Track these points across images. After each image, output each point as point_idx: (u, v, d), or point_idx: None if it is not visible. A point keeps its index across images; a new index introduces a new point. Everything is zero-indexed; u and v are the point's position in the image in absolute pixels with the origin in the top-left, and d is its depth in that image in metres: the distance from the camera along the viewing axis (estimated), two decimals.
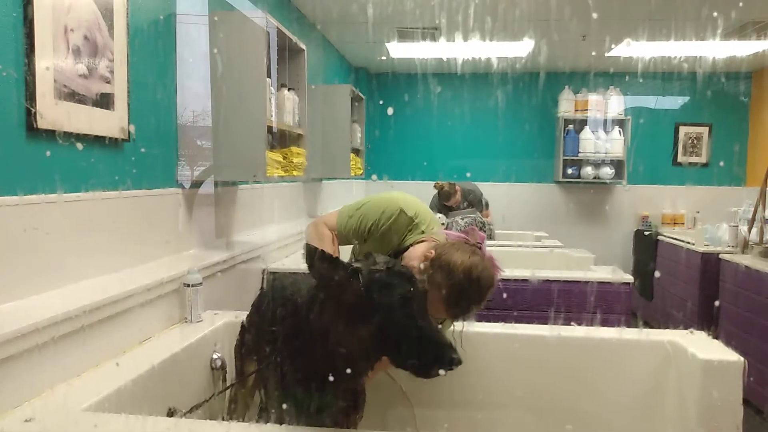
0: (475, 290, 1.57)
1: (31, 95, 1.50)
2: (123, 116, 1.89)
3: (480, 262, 1.59)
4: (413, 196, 1.96)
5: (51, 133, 1.58)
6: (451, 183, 4.91)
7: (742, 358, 1.74)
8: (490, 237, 4.70)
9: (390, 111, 6.49)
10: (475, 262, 1.57)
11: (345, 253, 1.91)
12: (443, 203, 4.90)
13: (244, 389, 1.84)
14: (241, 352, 1.79)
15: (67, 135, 1.64)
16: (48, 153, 1.58)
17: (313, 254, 1.26)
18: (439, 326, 1.75)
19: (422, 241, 1.79)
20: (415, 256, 1.72)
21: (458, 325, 1.92)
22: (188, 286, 2.03)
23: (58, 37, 1.59)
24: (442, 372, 1.23)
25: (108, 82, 1.82)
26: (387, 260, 1.35)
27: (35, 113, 1.50)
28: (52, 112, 1.56)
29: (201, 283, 2.05)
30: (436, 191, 4.96)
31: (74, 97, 1.66)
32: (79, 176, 1.70)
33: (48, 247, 1.56)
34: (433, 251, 1.64)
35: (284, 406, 1.37)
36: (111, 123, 1.83)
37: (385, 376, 1.95)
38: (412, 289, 1.28)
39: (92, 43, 1.74)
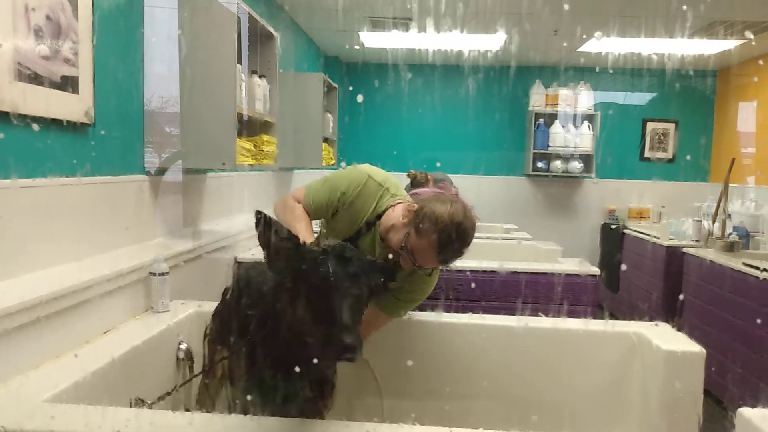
0: (461, 234, 1.66)
1: None
2: (87, 100, 1.84)
3: (462, 209, 1.69)
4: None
5: (7, 116, 1.52)
6: (423, 172, 4.92)
7: (703, 349, 1.78)
8: None
9: (360, 98, 6.45)
10: (457, 209, 1.68)
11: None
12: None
13: (213, 380, 1.82)
14: (211, 342, 1.77)
15: (25, 117, 1.58)
16: (5, 135, 1.52)
17: (259, 218, 1.28)
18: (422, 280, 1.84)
19: (398, 204, 1.82)
20: (394, 216, 1.77)
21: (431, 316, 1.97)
22: (154, 275, 1.99)
23: (18, 17, 1.53)
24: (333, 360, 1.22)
25: (72, 65, 1.76)
26: (335, 243, 1.36)
27: None
28: (9, 94, 1.51)
29: (167, 273, 2.01)
30: (408, 180, 4.95)
31: (35, 78, 1.60)
32: (37, 161, 1.64)
33: (2, 234, 1.50)
34: (415, 205, 1.72)
35: (249, 397, 1.35)
36: (74, 106, 1.78)
37: (355, 365, 1.94)
38: (336, 269, 1.27)
39: (55, 24, 1.68)
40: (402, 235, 1.69)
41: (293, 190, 2.00)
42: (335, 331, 1.16)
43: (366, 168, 1.92)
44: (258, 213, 1.29)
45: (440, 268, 1.88)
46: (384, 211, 1.82)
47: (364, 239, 1.85)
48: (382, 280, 1.40)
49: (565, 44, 5.45)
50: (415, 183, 4.87)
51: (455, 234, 1.65)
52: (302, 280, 1.28)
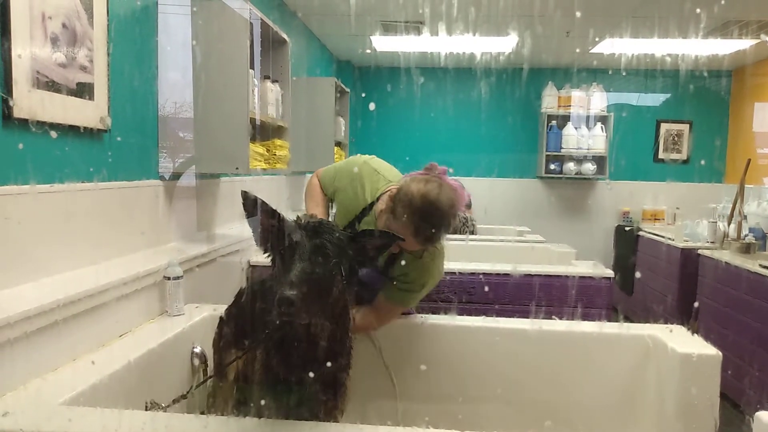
0: (433, 213, 1.65)
1: (7, 84, 1.46)
2: (102, 106, 1.86)
3: (436, 188, 1.68)
4: None
5: (27, 123, 1.54)
6: None
7: (719, 352, 1.76)
8: (472, 232, 4.71)
9: (372, 106, 6.46)
10: (430, 188, 1.68)
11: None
12: None
13: (225, 383, 1.83)
14: (220, 345, 1.78)
15: (43, 125, 1.60)
16: (24, 143, 1.54)
17: (245, 197, 1.39)
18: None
19: (390, 189, 1.88)
20: (381, 201, 1.84)
21: (417, 319, 2.00)
22: (169, 279, 2.00)
23: (35, 25, 1.55)
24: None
25: (87, 72, 1.78)
26: (317, 219, 1.39)
27: (11, 102, 1.47)
28: (28, 102, 1.53)
29: (182, 276, 2.03)
30: None
31: (52, 86, 1.62)
32: (55, 167, 1.67)
33: (21, 238, 1.53)
34: (395, 188, 1.76)
35: (262, 401, 1.36)
36: (90, 113, 1.80)
37: (373, 367, 1.95)
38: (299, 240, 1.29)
39: (71, 32, 1.70)
40: (384, 220, 1.73)
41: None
42: (280, 285, 1.20)
43: (365, 156, 2.05)
44: (243, 193, 1.38)
45: (438, 253, 1.91)
46: (379, 197, 1.89)
47: (365, 222, 1.93)
48: (358, 257, 1.39)
49: (577, 50, 5.43)
50: None
51: (428, 212, 1.64)
52: (281, 251, 1.32)
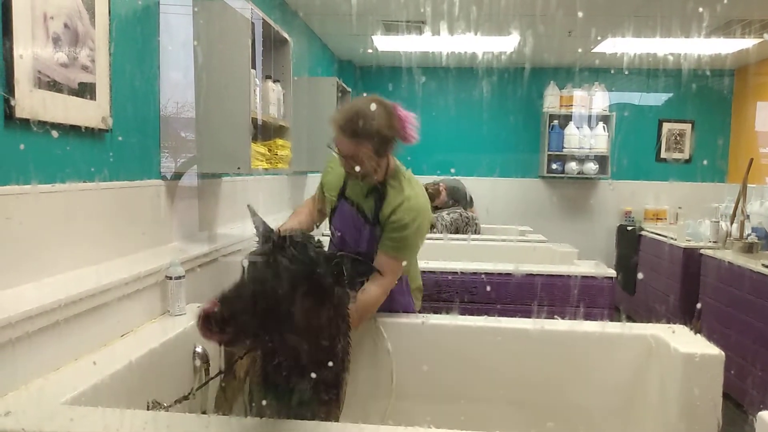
0: (352, 109, 1.93)
1: (8, 84, 1.46)
2: (104, 106, 1.86)
3: (367, 100, 1.91)
4: None
5: (28, 123, 1.54)
6: (434, 184, 4.91)
7: (722, 352, 1.75)
8: (476, 232, 4.71)
9: (373, 107, 6.45)
10: (361, 99, 1.95)
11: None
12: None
13: (231, 383, 1.83)
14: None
15: (45, 124, 1.60)
16: (25, 143, 1.54)
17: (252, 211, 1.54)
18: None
19: None
20: None
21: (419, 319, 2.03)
22: (170, 278, 2.00)
23: (37, 25, 1.55)
24: None
25: (89, 72, 1.78)
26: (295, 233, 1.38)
27: (13, 102, 1.47)
28: (30, 102, 1.53)
29: (183, 276, 2.03)
30: None
31: (54, 86, 1.62)
32: (56, 167, 1.67)
33: (23, 238, 1.53)
34: None
35: (263, 401, 1.36)
36: (92, 113, 1.80)
37: (377, 367, 1.94)
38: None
39: (73, 32, 1.70)
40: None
41: None
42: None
43: None
44: (249, 207, 1.55)
45: (408, 181, 2.07)
46: None
47: (349, 186, 2.12)
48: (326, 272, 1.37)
49: (579, 50, 5.42)
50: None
51: (348, 109, 1.93)
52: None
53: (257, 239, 1.47)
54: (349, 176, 2.02)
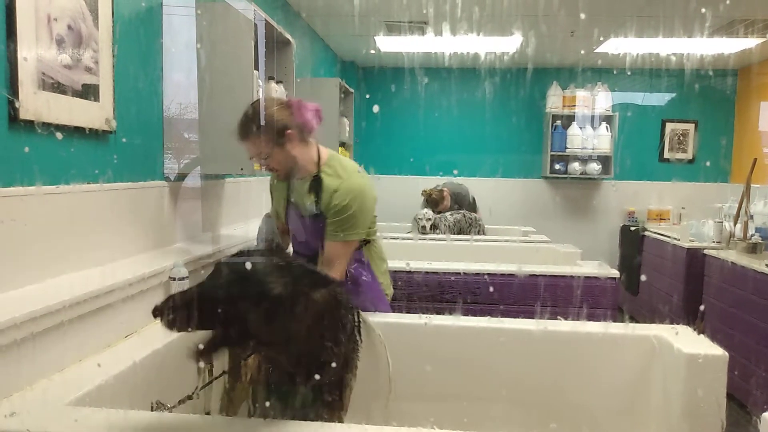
0: (243, 117, 2.02)
1: (13, 86, 1.47)
2: (108, 108, 1.87)
3: (257, 103, 2.00)
4: None
5: (33, 124, 1.55)
6: (438, 189, 4.91)
7: (726, 353, 1.75)
8: (480, 232, 4.71)
9: (375, 109, 6.45)
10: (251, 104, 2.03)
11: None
12: (432, 210, 4.89)
13: (239, 385, 1.83)
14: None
15: (49, 126, 1.61)
16: (30, 144, 1.55)
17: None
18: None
19: None
20: None
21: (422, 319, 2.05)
22: (174, 279, 2.01)
23: (40, 27, 1.56)
24: None
25: (92, 73, 1.79)
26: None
27: (17, 104, 1.47)
28: (34, 103, 1.54)
29: (187, 277, 2.03)
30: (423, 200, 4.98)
31: (58, 88, 1.63)
32: (60, 168, 1.67)
33: (27, 239, 1.53)
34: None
35: (267, 402, 1.36)
36: (95, 114, 1.81)
37: (374, 367, 1.94)
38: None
39: (76, 33, 1.71)
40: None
41: None
42: None
43: None
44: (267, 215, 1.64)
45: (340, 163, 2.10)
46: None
47: (293, 189, 2.17)
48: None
49: (582, 51, 5.42)
50: (430, 201, 4.87)
51: (240, 117, 2.02)
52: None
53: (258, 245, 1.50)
54: (278, 177, 2.15)
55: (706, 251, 4.28)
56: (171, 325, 1.24)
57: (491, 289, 3.06)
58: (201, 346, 1.24)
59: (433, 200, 4.87)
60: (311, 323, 1.37)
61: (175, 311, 1.23)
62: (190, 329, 1.26)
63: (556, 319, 2.09)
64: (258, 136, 1.99)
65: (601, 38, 5.03)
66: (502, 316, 2.13)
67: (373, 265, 2.22)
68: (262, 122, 1.98)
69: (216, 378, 1.76)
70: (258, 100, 2.04)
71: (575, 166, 6.17)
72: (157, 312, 1.25)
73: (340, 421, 1.56)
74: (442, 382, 2.03)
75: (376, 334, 2.01)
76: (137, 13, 2.08)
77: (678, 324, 2.01)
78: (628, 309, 5.69)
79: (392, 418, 1.99)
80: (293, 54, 3.05)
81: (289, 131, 2.00)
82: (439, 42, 5.14)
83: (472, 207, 5.05)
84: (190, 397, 1.61)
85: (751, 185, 4.20)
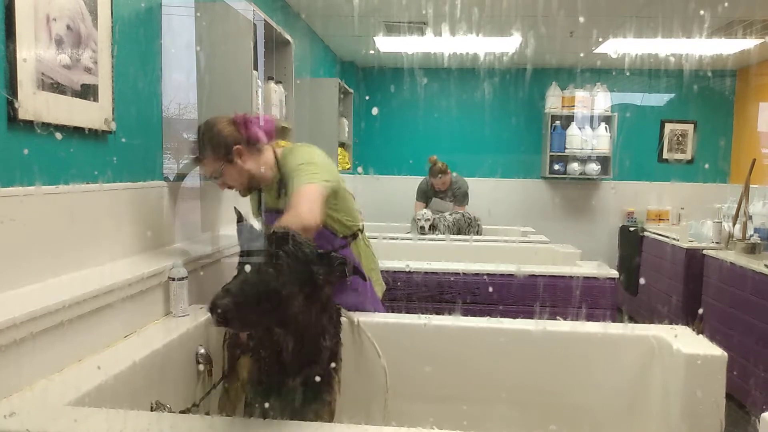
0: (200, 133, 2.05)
1: (12, 86, 1.47)
2: (107, 108, 1.87)
3: (213, 119, 2.04)
4: None
5: (32, 125, 1.55)
6: (444, 163, 4.93)
7: (725, 353, 1.75)
8: (478, 232, 4.71)
9: (375, 111, 6.45)
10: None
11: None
12: (431, 179, 4.92)
13: (234, 384, 1.83)
14: (230, 346, 1.79)
15: (48, 126, 1.61)
16: (29, 144, 1.55)
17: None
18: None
19: None
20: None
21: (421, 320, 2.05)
22: (173, 279, 2.01)
23: (39, 27, 1.56)
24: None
25: (92, 73, 1.79)
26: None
27: (16, 104, 1.47)
28: (33, 103, 1.54)
29: (186, 277, 2.03)
30: (424, 179, 5.00)
31: (57, 88, 1.63)
32: (60, 168, 1.67)
33: (27, 239, 1.53)
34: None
35: (266, 403, 1.36)
36: (95, 114, 1.81)
37: (374, 367, 1.95)
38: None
39: (75, 33, 1.71)
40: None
41: None
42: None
43: None
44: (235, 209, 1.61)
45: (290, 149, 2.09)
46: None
47: (265, 189, 2.17)
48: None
49: (581, 54, 5.42)
50: (433, 169, 4.91)
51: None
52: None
53: (240, 245, 1.52)
54: (240, 194, 2.16)
55: (705, 252, 4.28)
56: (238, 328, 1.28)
57: (491, 289, 3.06)
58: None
59: (437, 168, 4.90)
60: (318, 310, 1.43)
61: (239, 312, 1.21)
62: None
63: (556, 319, 2.09)
64: (206, 156, 2.03)
65: (600, 39, 5.04)
66: (501, 317, 2.13)
67: (361, 262, 2.20)
68: (208, 142, 2.02)
69: (215, 385, 1.76)
70: (206, 121, 2.07)
71: (574, 167, 6.17)
72: (220, 319, 1.20)
73: (333, 409, 1.57)
74: (441, 382, 2.03)
75: (357, 326, 2.02)
76: (136, 13, 2.07)
77: (677, 324, 2.02)
78: (627, 309, 5.70)
79: (392, 419, 1.99)
80: (293, 54, 3.05)
81: (237, 147, 2.00)
82: (439, 42, 5.14)
83: (461, 200, 5.01)
84: (196, 405, 1.61)
85: (750, 186, 4.21)
